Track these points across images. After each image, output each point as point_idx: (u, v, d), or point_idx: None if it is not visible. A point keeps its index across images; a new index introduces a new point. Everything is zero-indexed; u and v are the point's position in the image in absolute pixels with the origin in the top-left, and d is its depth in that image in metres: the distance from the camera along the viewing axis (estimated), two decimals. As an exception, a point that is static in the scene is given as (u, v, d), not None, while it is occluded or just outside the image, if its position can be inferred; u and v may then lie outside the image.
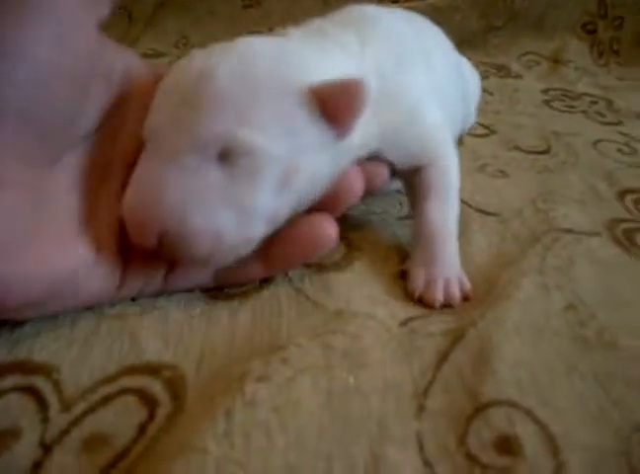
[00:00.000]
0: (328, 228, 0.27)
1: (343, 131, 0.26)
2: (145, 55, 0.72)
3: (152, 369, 0.24)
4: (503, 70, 0.72)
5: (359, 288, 0.29)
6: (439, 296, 0.28)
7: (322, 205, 0.27)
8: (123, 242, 0.25)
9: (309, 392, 0.22)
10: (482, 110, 0.55)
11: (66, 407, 0.22)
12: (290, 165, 0.24)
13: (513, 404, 0.22)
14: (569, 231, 0.34)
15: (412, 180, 0.32)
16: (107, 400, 0.22)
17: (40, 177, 0.23)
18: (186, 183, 0.23)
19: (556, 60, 0.76)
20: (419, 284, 0.29)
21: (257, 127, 0.23)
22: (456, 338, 0.26)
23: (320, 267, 0.30)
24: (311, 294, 0.28)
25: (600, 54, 0.79)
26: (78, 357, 0.24)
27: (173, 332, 0.26)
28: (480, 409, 0.22)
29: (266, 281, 0.29)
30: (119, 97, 0.27)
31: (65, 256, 0.23)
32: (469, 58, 0.74)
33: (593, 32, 0.80)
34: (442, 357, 0.25)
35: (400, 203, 0.37)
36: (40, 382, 0.22)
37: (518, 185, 0.40)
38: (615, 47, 0.79)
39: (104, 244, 0.25)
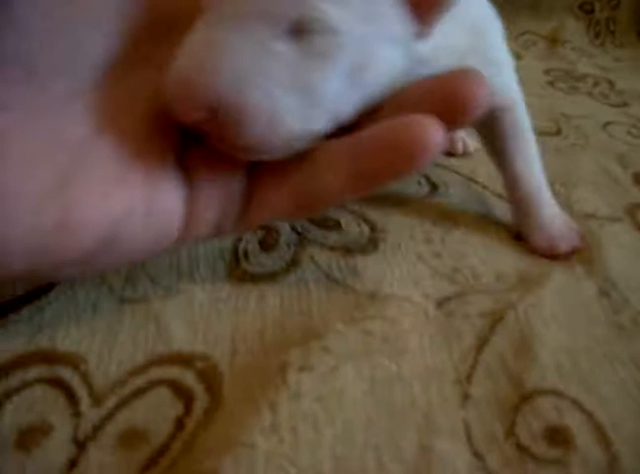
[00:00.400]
0: (431, 128, 0.21)
1: (425, 27, 0.23)
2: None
3: (183, 360, 0.22)
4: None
5: (388, 270, 0.28)
6: (565, 249, 0.30)
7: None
8: (187, 163, 0.22)
9: (353, 381, 0.21)
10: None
11: (97, 400, 0.20)
12: (366, 52, 0.21)
13: (558, 393, 0.22)
14: (591, 216, 0.34)
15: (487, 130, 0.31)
16: (139, 393, 0.21)
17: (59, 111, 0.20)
18: (249, 52, 0.20)
19: (554, 39, 0.75)
20: (543, 246, 0.31)
21: (338, 3, 0.20)
22: (495, 320, 0.25)
23: (346, 250, 0.29)
24: (340, 278, 0.27)
25: (597, 35, 0.78)
26: (104, 346, 0.23)
27: (200, 318, 0.25)
28: (526, 397, 0.22)
29: (292, 265, 0.28)
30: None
31: (114, 195, 0.20)
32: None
33: (590, 12, 0.79)
34: (483, 342, 0.24)
35: (419, 182, 0.36)
36: (67, 374, 0.21)
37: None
38: (612, 28, 0.79)
39: (159, 172, 0.21)
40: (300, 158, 0.22)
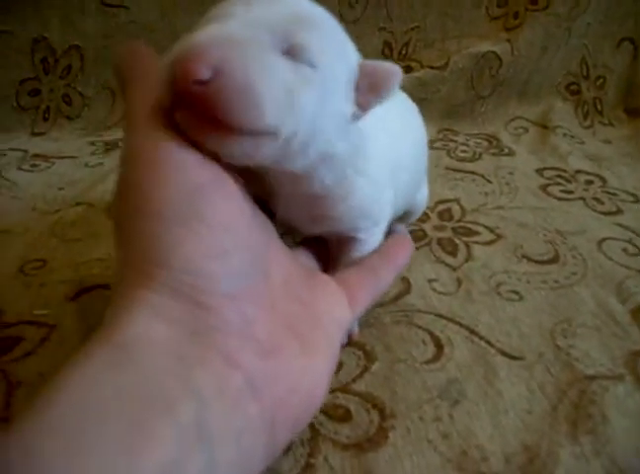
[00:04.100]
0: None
1: (361, 108, 0.28)
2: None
3: None
4: (493, 143, 0.73)
5: (399, 465, 0.29)
6: None
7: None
8: None
9: None
10: (484, 206, 0.56)
11: None
12: (328, 93, 0.26)
13: None
14: (592, 378, 0.35)
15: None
16: None
17: None
18: (254, 45, 0.23)
19: (544, 126, 0.77)
20: None
21: (318, 46, 0.25)
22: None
23: (358, 448, 0.30)
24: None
25: (586, 115, 0.80)
26: None
27: None
28: None
29: (307, 467, 0.29)
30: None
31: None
32: (458, 129, 0.76)
33: (577, 92, 0.82)
34: None
35: (424, 343, 0.37)
36: None
37: (533, 311, 0.41)
38: (599, 108, 0.81)
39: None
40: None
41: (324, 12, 0.27)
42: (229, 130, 0.22)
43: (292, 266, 0.30)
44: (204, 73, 0.21)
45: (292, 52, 0.24)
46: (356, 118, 0.28)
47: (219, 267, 0.22)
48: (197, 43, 0.22)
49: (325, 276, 0.33)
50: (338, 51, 0.26)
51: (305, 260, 0.36)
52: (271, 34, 0.23)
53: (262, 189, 0.31)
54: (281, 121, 0.23)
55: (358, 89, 0.27)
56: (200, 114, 0.22)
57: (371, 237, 0.36)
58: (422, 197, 0.48)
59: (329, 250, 0.37)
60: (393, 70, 0.27)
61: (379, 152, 0.33)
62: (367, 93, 0.27)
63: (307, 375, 0.25)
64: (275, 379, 0.23)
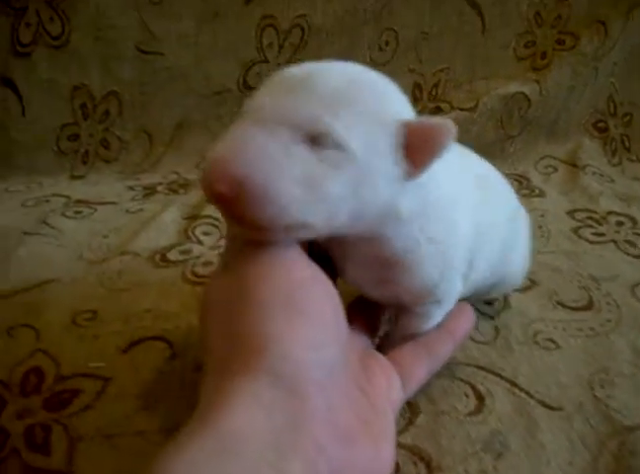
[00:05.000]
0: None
1: (415, 170, 0.27)
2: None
3: None
4: (524, 183, 0.75)
5: None
6: None
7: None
8: None
9: None
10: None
11: None
12: (364, 173, 0.26)
13: None
14: (631, 429, 0.36)
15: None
16: None
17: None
18: (273, 148, 0.24)
19: (573, 164, 0.79)
20: None
21: (350, 129, 0.25)
22: None
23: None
24: None
25: (614, 152, 0.82)
26: None
27: None
28: None
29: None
30: None
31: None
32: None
33: (604, 130, 0.83)
34: None
35: (466, 395, 0.39)
36: None
37: (570, 360, 0.42)
38: (627, 145, 0.83)
39: None
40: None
41: (359, 75, 0.28)
42: (261, 229, 0.25)
43: (353, 350, 0.31)
44: (225, 190, 0.24)
45: (317, 141, 0.25)
46: (411, 175, 0.28)
47: (315, 357, 0.25)
48: (219, 159, 0.24)
49: (380, 358, 0.34)
50: (373, 121, 0.26)
51: (358, 338, 0.36)
52: (293, 128, 0.25)
53: (330, 248, 0.33)
54: (308, 214, 0.25)
55: (407, 148, 0.27)
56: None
57: (431, 315, 0.36)
58: (514, 273, 0.45)
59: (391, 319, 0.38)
60: (444, 126, 0.26)
61: (454, 216, 0.32)
62: (419, 152, 0.27)
63: (377, 462, 0.27)
64: (352, 467, 0.25)
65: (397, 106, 0.28)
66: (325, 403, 0.24)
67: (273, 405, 0.22)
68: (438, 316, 0.36)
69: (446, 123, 0.26)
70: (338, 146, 0.25)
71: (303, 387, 0.24)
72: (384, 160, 0.27)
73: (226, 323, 0.25)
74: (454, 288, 0.35)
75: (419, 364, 0.35)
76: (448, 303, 0.36)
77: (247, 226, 0.25)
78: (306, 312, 0.25)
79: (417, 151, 0.27)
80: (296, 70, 0.27)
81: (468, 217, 0.33)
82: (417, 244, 0.31)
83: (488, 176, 0.40)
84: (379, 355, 0.34)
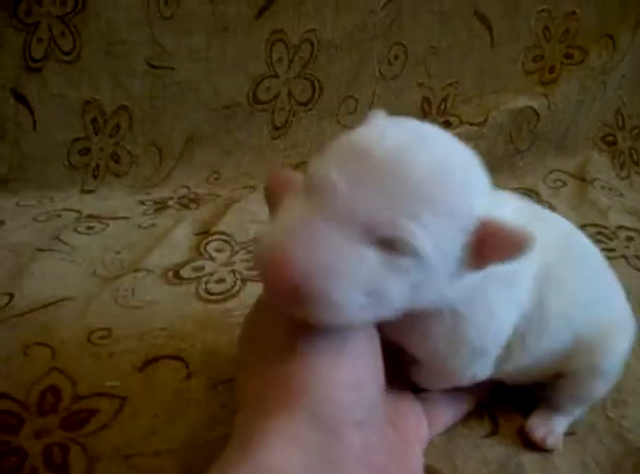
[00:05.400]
0: None
1: (477, 268, 0.26)
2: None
3: None
4: (533, 197, 0.75)
5: None
6: None
7: None
8: None
9: None
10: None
11: None
12: (428, 275, 0.24)
13: None
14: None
15: None
16: None
17: None
18: (339, 249, 0.22)
19: (582, 178, 0.79)
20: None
21: (428, 233, 0.23)
22: None
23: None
24: None
25: (622, 166, 0.82)
26: None
27: None
28: None
29: None
30: None
31: None
32: (497, 183, 0.78)
33: (613, 143, 0.83)
34: None
35: (482, 417, 0.39)
36: None
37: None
38: (635, 158, 0.83)
39: None
40: None
41: (447, 159, 0.25)
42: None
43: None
44: (284, 289, 0.22)
45: (391, 245, 0.23)
46: (470, 271, 0.26)
47: (354, 398, 0.25)
48: (280, 248, 0.22)
49: (412, 399, 0.35)
50: (451, 219, 0.24)
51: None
52: (367, 228, 0.23)
53: None
54: (366, 316, 0.25)
55: (478, 245, 0.25)
56: None
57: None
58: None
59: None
60: (524, 239, 0.24)
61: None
62: (489, 254, 0.25)
63: None
64: None
65: (478, 197, 0.26)
66: (362, 442, 0.25)
67: (310, 444, 0.23)
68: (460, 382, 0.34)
69: (527, 236, 0.24)
70: (413, 253, 0.23)
71: (341, 428, 0.24)
72: (451, 258, 0.25)
73: (264, 361, 0.26)
74: (477, 372, 0.33)
75: (447, 411, 0.36)
76: (468, 379, 0.34)
77: (302, 317, 0.24)
78: (347, 352, 0.26)
79: (488, 253, 0.25)
80: (379, 146, 0.24)
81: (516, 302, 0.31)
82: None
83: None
84: (412, 397, 0.35)
